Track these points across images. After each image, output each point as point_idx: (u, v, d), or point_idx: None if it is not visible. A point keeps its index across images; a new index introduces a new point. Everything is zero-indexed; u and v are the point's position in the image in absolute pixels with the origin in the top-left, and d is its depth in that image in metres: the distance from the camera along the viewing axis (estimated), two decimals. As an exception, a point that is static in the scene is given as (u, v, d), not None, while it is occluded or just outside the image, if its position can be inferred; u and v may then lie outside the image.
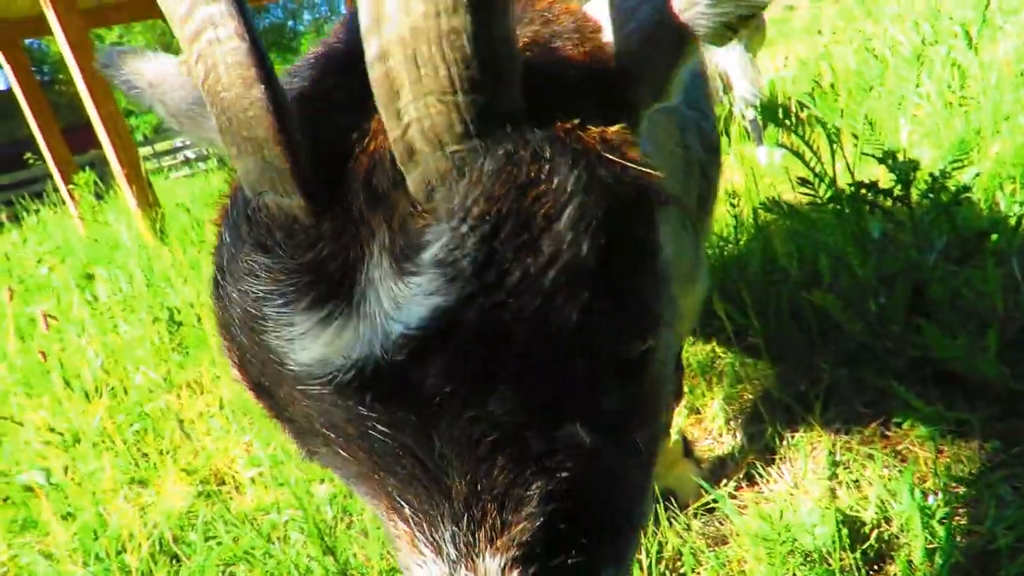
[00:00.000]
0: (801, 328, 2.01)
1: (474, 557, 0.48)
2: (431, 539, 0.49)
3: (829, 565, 1.26)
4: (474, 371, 0.44)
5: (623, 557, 0.55)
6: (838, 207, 2.03)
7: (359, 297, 0.45)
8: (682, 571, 1.41)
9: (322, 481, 1.96)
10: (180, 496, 2.03)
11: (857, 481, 1.50)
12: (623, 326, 0.47)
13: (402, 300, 0.43)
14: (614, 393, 0.50)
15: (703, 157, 1.20)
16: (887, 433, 1.62)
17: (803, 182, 1.95)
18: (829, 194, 2.04)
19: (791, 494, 1.53)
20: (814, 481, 1.54)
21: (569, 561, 0.49)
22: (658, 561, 1.41)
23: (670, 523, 1.49)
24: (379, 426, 0.46)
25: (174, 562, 1.76)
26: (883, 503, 1.39)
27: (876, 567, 1.29)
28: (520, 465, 0.47)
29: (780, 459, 1.67)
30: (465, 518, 0.48)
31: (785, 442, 1.70)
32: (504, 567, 0.48)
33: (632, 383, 0.52)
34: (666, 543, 1.45)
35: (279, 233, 0.47)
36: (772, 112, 1.82)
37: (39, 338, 3.40)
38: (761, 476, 1.61)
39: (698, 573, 1.38)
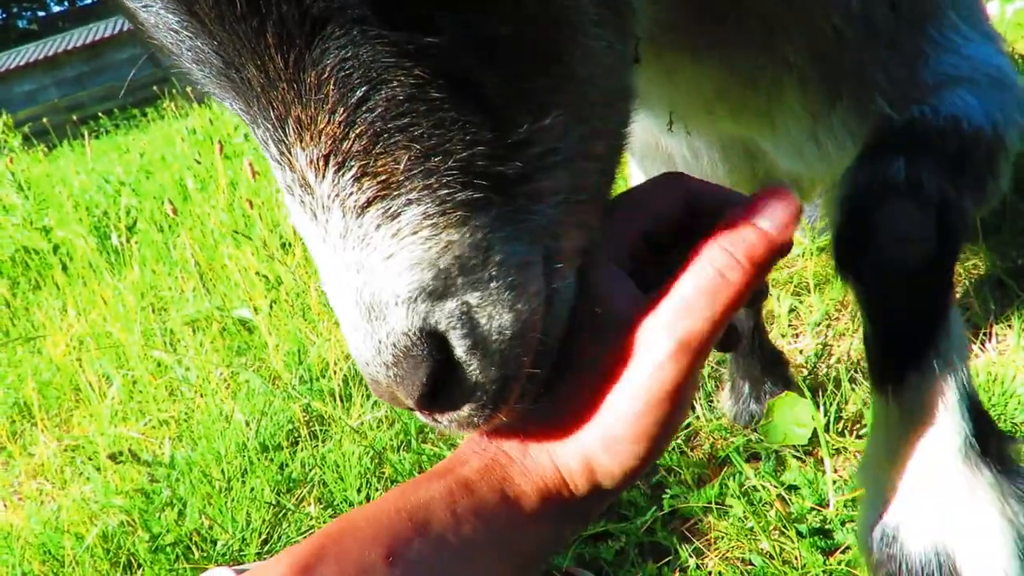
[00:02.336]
0: (1022, 195, 1.78)
1: (289, 152, 0.46)
2: (262, 141, 0.48)
3: (1038, 437, 1.16)
4: None
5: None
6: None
7: None
8: (864, 433, 1.37)
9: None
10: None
11: (1082, 359, 1.35)
12: None
13: None
14: None
15: None
16: (1126, 313, 1.42)
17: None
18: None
19: (993, 364, 1.40)
20: (1026, 357, 1.40)
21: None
22: (837, 419, 1.38)
23: (853, 387, 1.44)
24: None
25: (364, 387, 1.97)
26: (1113, 383, 1.25)
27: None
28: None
29: (984, 334, 1.54)
30: (271, 112, 0.46)
31: (992, 317, 1.56)
32: (314, 160, 0.46)
33: None
34: (846, 404, 1.41)
35: None
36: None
37: (246, 188, 3.77)
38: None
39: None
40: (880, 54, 0.77)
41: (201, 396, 2.10)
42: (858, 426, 1.39)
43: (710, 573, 1.19)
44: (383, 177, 0.45)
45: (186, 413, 2.08)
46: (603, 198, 0.56)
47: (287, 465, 1.63)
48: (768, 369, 1.47)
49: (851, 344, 1.61)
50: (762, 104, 0.83)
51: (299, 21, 0.43)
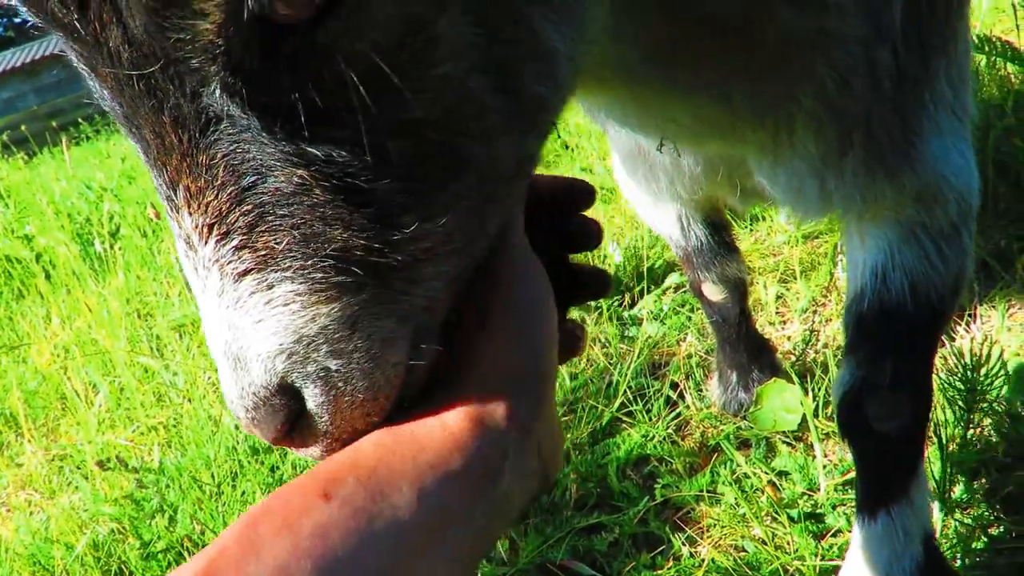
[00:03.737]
0: (1007, 179, 1.79)
1: (177, 212, 0.49)
2: (157, 189, 0.50)
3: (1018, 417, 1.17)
4: None
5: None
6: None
7: None
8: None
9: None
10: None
11: (1065, 337, 1.36)
12: None
13: None
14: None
15: None
16: (1107, 291, 1.44)
17: (1031, 7, 1.67)
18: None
19: (981, 345, 1.41)
20: (1011, 337, 1.41)
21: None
22: (825, 404, 1.39)
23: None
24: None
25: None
26: (1096, 360, 1.26)
27: (1081, 422, 1.19)
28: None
29: (969, 316, 1.55)
30: (164, 173, 0.48)
31: (976, 298, 1.57)
32: (199, 227, 0.48)
33: None
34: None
35: None
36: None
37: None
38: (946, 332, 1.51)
39: (869, 418, 1.34)
40: (885, 113, 0.79)
41: (189, 401, 2.08)
42: (846, 410, 1.40)
43: (703, 561, 1.20)
44: (263, 252, 0.48)
45: (174, 419, 2.07)
46: (482, 254, 0.57)
47: (278, 467, 1.62)
48: (755, 357, 1.47)
49: (837, 328, 1.61)
50: (766, 138, 0.81)
51: (194, 115, 0.45)
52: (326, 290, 0.49)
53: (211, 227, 0.48)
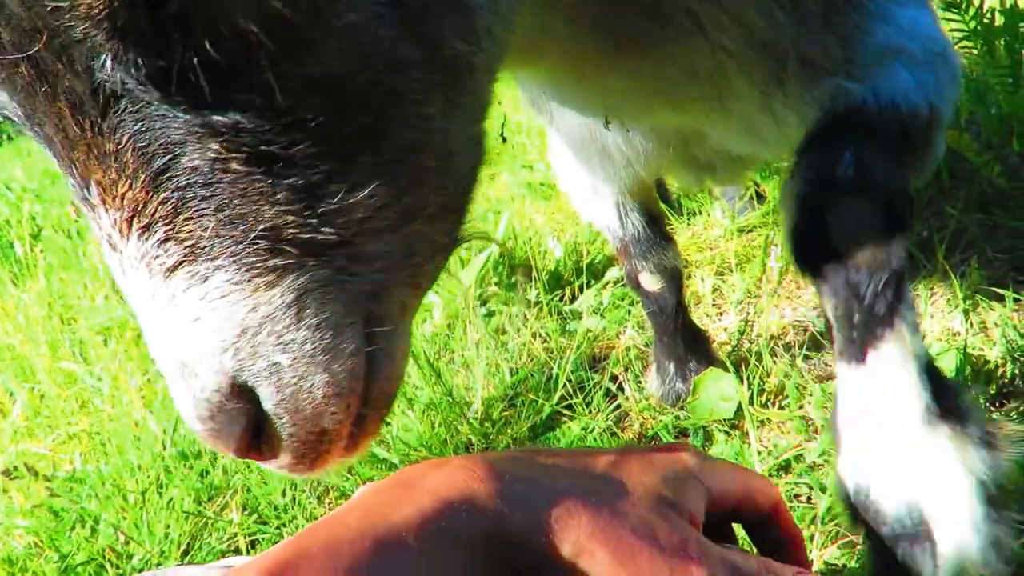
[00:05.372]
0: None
1: (94, 211, 0.46)
2: (72, 191, 0.48)
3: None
4: None
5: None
6: (987, 41, 1.82)
7: None
8: (786, 404, 1.40)
9: (424, 320, 2.04)
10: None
11: (983, 322, 1.41)
12: None
13: None
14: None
15: None
16: (1020, 278, 1.50)
17: (948, 6, 1.74)
18: (974, 25, 1.83)
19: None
20: (935, 323, 1.47)
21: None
22: (760, 392, 1.41)
23: (774, 360, 1.47)
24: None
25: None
26: (1010, 343, 1.31)
27: (998, 403, 1.24)
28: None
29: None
30: (75, 171, 0.45)
31: (902, 288, 1.62)
32: (118, 222, 0.45)
33: None
34: (768, 377, 1.44)
35: None
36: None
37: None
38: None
39: (801, 405, 1.37)
40: (816, 33, 0.77)
41: (113, 407, 1.99)
42: (780, 398, 1.42)
43: (643, 551, 1.20)
44: (189, 242, 0.45)
45: (98, 425, 1.97)
46: (447, 253, 0.55)
47: (208, 472, 1.55)
48: (692, 348, 1.49)
49: (772, 319, 1.64)
50: (707, 90, 0.81)
51: (91, 95, 0.42)
52: (263, 275, 0.46)
53: (130, 221, 0.45)
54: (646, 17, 0.69)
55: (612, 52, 0.75)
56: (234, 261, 0.45)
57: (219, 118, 0.43)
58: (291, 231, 0.46)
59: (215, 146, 0.44)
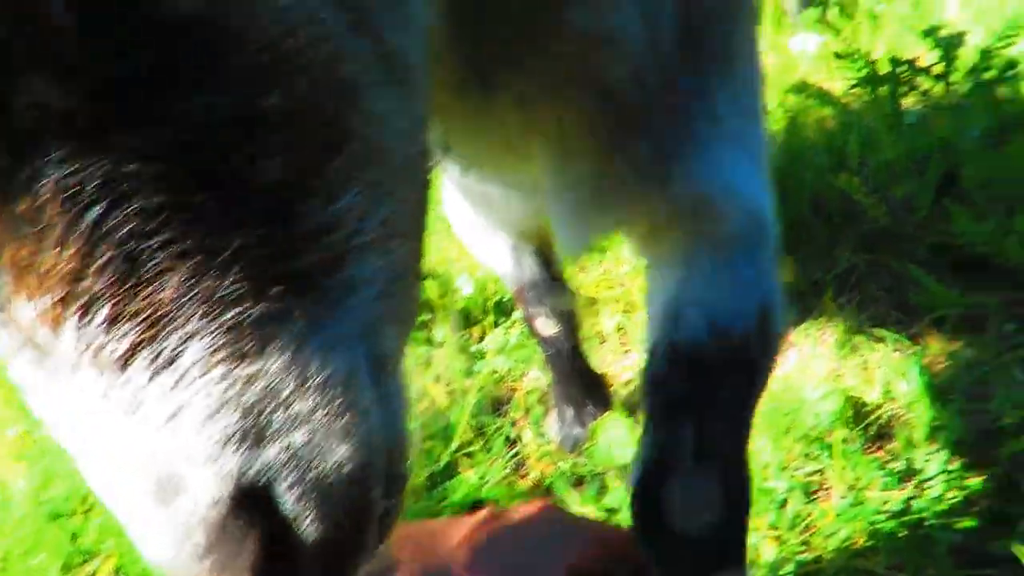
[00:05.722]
0: (821, 216, 1.93)
1: (10, 305, 0.35)
2: None
3: (828, 441, 1.24)
4: None
5: None
6: (873, 88, 1.91)
7: None
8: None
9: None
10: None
11: (865, 363, 1.46)
12: None
13: None
14: None
15: None
16: (901, 318, 1.56)
17: (839, 56, 1.83)
18: (864, 72, 1.92)
19: (796, 375, 1.49)
20: (821, 364, 1.50)
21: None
22: (655, 437, 1.41)
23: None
24: None
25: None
26: (889, 384, 1.36)
27: (876, 444, 1.27)
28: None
29: (789, 345, 1.63)
30: None
31: (794, 329, 1.66)
32: (46, 311, 0.35)
33: None
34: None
35: None
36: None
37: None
38: (767, 360, 1.58)
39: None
40: (659, 123, 0.72)
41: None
42: (675, 441, 1.43)
43: (532, 607, 1.17)
44: (147, 313, 0.35)
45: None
46: (415, 288, 0.49)
47: (79, 535, 1.45)
48: (589, 392, 1.48)
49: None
50: (549, 154, 0.76)
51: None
52: (250, 333, 0.36)
53: (64, 303, 0.34)
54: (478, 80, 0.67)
55: (485, 90, 0.72)
56: (210, 321, 0.35)
57: (158, 131, 0.34)
58: (265, 264, 0.36)
59: (160, 168, 0.34)
